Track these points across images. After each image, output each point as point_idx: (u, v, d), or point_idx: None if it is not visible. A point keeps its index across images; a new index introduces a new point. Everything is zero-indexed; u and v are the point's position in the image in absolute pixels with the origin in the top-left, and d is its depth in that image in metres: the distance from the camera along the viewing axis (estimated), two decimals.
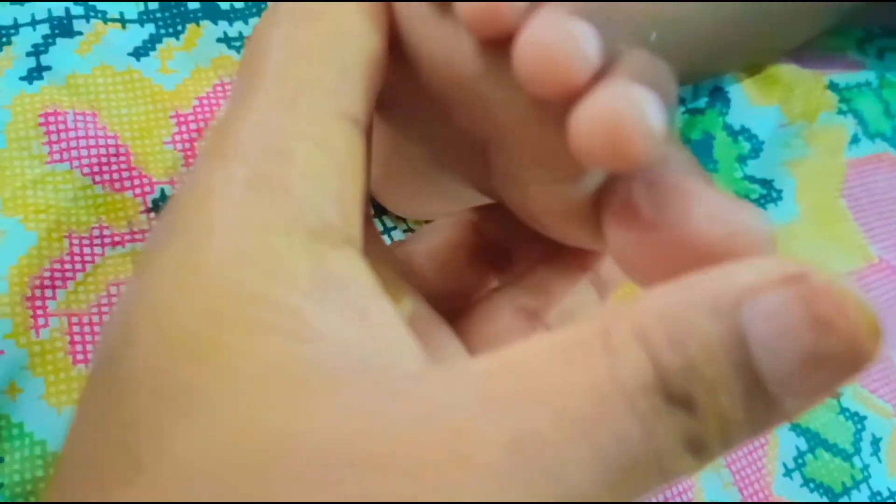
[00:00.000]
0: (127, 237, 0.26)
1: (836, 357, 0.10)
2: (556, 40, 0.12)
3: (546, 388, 0.10)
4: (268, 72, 0.13)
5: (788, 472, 0.31)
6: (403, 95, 0.15)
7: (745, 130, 0.37)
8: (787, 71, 0.40)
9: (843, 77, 0.41)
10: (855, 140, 0.40)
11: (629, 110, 0.11)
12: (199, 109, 0.29)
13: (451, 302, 0.17)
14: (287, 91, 0.13)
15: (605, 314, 0.11)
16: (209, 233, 0.11)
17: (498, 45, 0.13)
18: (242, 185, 0.12)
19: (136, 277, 0.12)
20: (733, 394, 0.10)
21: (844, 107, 0.40)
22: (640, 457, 0.10)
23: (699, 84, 0.37)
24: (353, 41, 0.14)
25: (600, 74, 0.12)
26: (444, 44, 0.14)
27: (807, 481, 0.31)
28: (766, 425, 0.11)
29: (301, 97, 0.13)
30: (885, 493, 0.31)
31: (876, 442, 0.32)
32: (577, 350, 0.11)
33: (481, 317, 0.17)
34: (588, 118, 0.11)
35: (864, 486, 0.31)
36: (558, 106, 0.12)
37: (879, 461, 0.32)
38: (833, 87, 0.41)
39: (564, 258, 0.17)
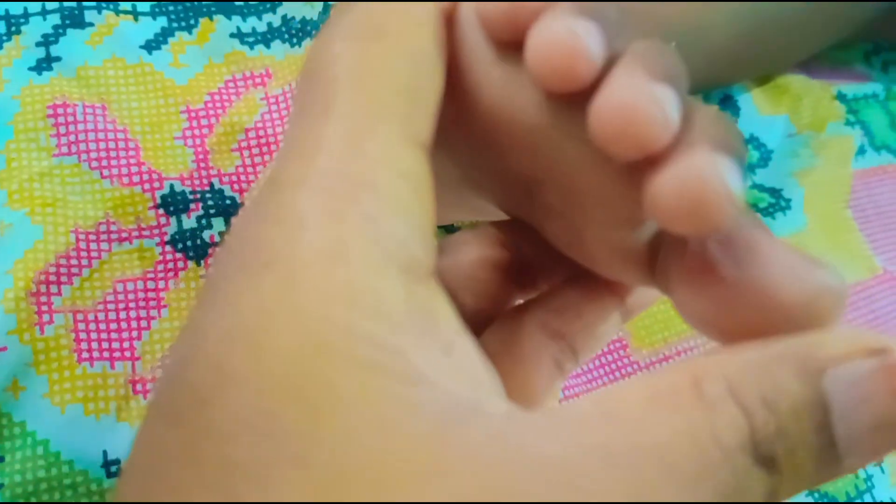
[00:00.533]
0: (134, 233, 0.26)
1: None
2: (640, 104, 0.12)
3: (651, 442, 0.10)
4: (340, 94, 0.13)
5: None
6: (452, 123, 0.15)
7: (753, 139, 0.37)
8: (795, 81, 0.40)
9: (851, 88, 0.42)
10: (861, 151, 0.40)
11: (714, 179, 0.11)
12: (210, 105, 0.28)
13: (475, 319, 0.17)
14: (363, 117, 0.12)
15: (692, 363, 0.11)
16: (305, 267, 0.11)
17: (568, 98, 0.13)
18: (332, 217, 0.11)
19: (217, 311, 0.11)
20: (810, 453, 0.11)
21: (852, 118, 0.40)
22: None
23: (710, 92, 0.37)
24: (424, 64, 0.13)
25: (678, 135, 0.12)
26: (508, 91, 0.14)
27: (811, 492, 0.31)
28: (826, 480, 0.12)
29: (378, 124, 0.12)
30: None
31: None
32: (672, 399, 0.11)
33: (507, 335, 0.17)
34: (673, 185, 0.12)
35: (867, 496, 0.32)
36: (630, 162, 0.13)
37: (882, 472, 0.32)
38: (841, 97, 0.41)
39: (594, 282, 0.17)
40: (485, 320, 0.17)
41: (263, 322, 0.11)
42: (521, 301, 0.18)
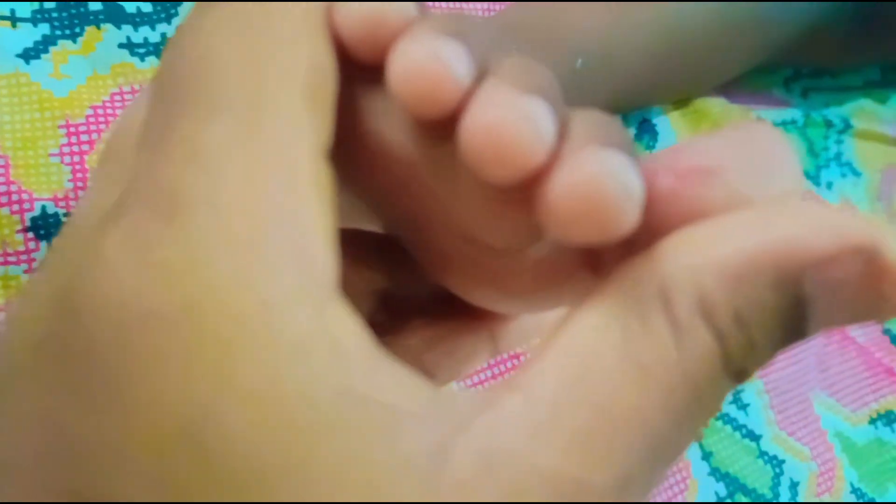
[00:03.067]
0: (0, 259, 0.24)
1: (881, 315, 0.11)
2: (508, 121, 0.11)
3: (627, 403, 0.10)
4: (228, 91, 0.11)
5: None
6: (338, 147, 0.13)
7: None
8: (715, 105, 0.41)
9: (771, 114, 0.43)
10: None
11: (608, 174, 0.10)
12: (92, 119, 0.27)
13: None
14: (259, 119, 0.11)
15: (662, 268, 0.11)
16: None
17: (438, 124, 0.12)
18: (247, 245, 0.10)
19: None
20: (777, 348, 0.11)
21: None
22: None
23: (627, 115, 0.38)
24: (321, 63, 0.12)
25: (560, 144, 0.11)
26: (377, 116, 0.13)
27: None
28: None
29: (276, 127, 0.11)
30: None
31: (794, 486, 0.33)
32: (641, 325, 0.11)
33: None
34: (565, 190, 0.10)
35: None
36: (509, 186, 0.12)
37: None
38: None
39: (466, 317, 0.16)
40: None
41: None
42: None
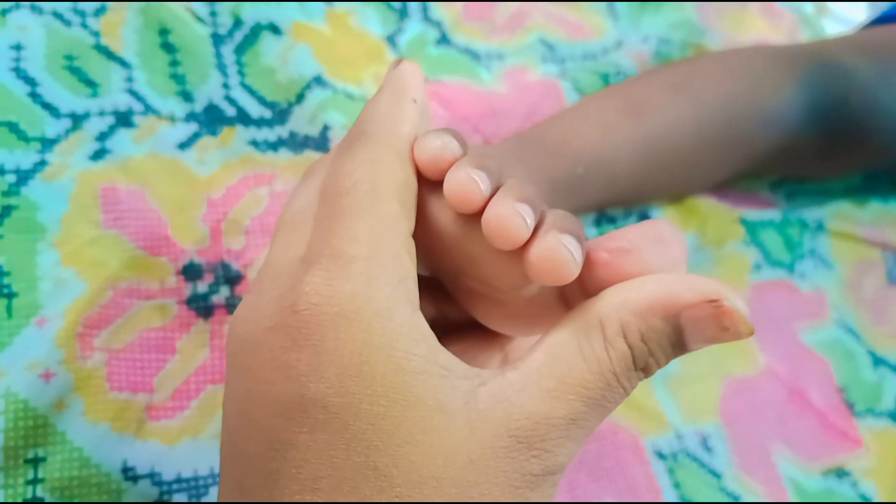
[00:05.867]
0: (158, 293, 0.33)
1: (725, 337, 0.18)
2: (506, 215, 0.19)
3: (578, 380, 0.18)
4: (365, 202, 0.19)
5: None
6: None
7: None
8: (705, 204, 0.47)
9: (754, 213, 0.48)
10: (758, 267, 0.46)
11: (560, 248, 0.18)
12: (226, 195, 0.35)
13: None
14: (383, 215, 0.19)
15: (600, 308, 0.19)
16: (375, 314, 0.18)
17: (471, 216, 0.20)
18: (379, 285, 0.18)
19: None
20: (669, 355, 0.18)
21: (749, 238, 0.47)
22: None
23: (630, 210, 0.44)
24: (411, 175, 0.20)
25: (538, 228, 0.19)
26: (438, 212, 0.21)
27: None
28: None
29: (394, 220, 0.19)
30: None
31: None
32: (589, 339, 0.18)
33: None
34: (535, 256, 0.19)
35: None
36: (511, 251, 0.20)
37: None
38: (744, 221, 0.47)
39: (486, 334, 0.24)
40: None
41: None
42: None
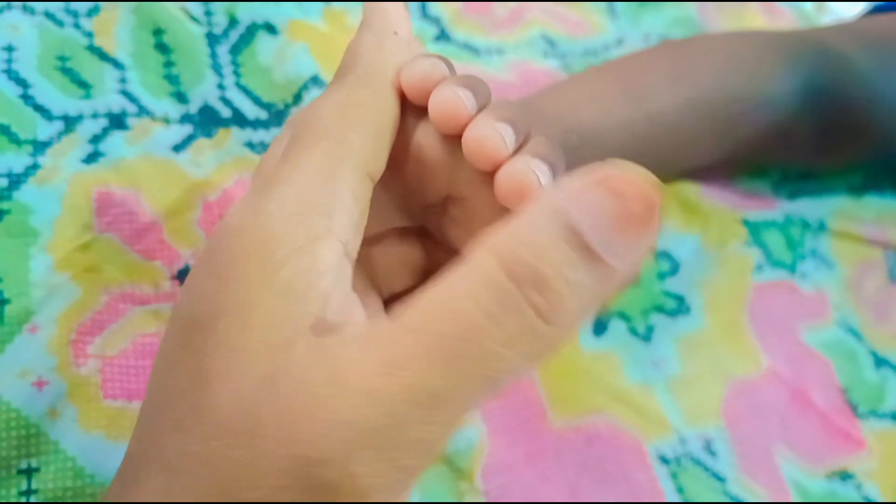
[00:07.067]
0: (153, 298, 0.32)
1: (636, 214, 0.14)
2: (487, 134, 0.19)
3: (468, 327, 0.15)
4: (321, 131, 0.18)
5: None
6: (389, 161, 0.21)
7: (666, 253, 0.44)
8: (707, 205, 0.46)
9: (757, 214, 0.48)
10: (760, 268, 0.46)
11: (528, 171, 0.18)
12: (222, 197, 0.35)
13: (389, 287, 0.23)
14: (338, 153, 0.18)
15: (496, 246, 0.15)
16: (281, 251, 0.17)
17: (455, 137, 0.20)
18: (305, 227, 0.17)
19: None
20: (581, 270, 0.15)
21: (752, 239, 0.47)
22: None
23: None
24: (388, 111, 0.20)
25: (516, 152, 0.19)
26: (423, 136, 0.20)
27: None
28: (608, 287, 0.15)
29: (347, 160, 0.18)
30: None
31: None
32: (487, 285, 0.15)
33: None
34: (504, 178, 0.19)
35: None
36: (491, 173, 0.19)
37: None
38: (746, 222, 0.47)
39: None
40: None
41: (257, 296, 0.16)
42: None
